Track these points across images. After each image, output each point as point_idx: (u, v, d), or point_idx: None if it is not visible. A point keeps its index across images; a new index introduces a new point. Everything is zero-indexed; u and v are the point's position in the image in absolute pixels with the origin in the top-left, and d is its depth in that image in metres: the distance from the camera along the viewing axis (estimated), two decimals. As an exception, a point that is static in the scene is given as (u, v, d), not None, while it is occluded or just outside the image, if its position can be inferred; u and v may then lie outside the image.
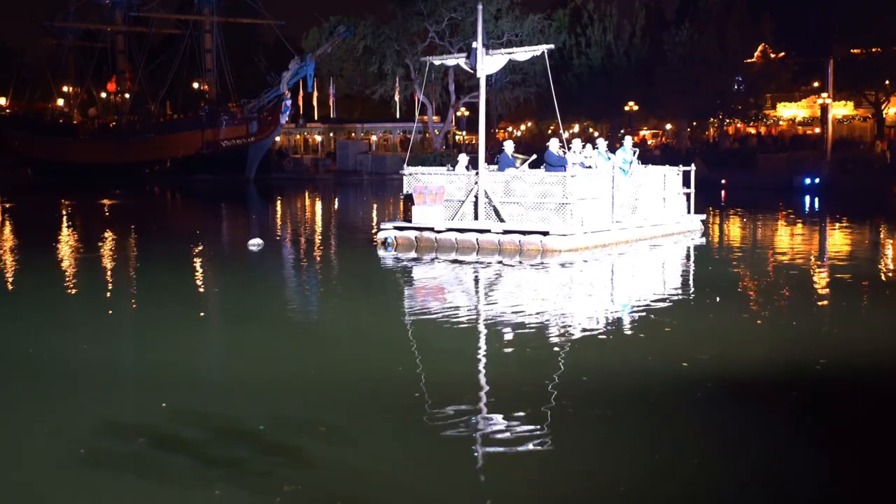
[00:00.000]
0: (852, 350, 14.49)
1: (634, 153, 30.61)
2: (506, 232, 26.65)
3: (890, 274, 24.33)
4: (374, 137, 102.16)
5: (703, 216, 33.77)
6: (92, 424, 10.72)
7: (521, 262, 24.54)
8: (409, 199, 28.46)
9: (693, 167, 34.08)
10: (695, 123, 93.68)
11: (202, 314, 18.80)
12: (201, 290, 22.22)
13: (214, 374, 13.60)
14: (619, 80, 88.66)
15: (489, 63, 28.91)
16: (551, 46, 30.47)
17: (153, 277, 23.23)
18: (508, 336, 15.47)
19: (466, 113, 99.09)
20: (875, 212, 43.24)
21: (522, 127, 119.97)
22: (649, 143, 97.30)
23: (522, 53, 31.18)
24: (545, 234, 26.16)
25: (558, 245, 25.93)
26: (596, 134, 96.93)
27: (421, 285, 22.43)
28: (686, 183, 33.05)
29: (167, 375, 13.00)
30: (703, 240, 30.78)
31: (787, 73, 78.50)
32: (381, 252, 27.24)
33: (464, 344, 15.08)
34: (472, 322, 16.88)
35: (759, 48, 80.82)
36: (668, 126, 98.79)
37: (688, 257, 27.70)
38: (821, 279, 22.95)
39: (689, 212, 33.21)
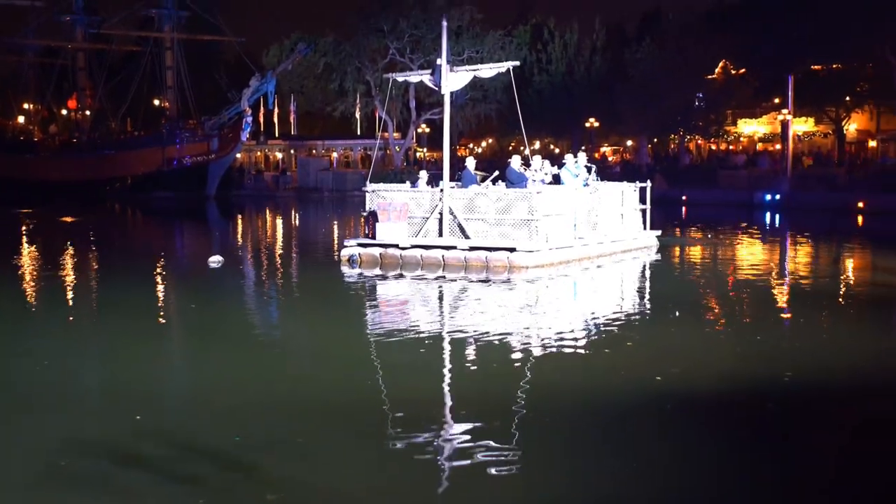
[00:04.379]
0: (816, 364, 14.59)
1: (590, 170, 30.74)
2: (472, 249, 26.65)
3: (848, 289, 24.49)
4: (334, 154, 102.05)
5: (659, 232, 33.86)
6: (54, 442, 10.64)
7: (487, 279, 24.54)
8: (372, 216, 28.42)
9: (650, 183, 34.28)
10: (655, 140, 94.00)
11: (164, 332, 18.68)
12: (163, 307, 22.05)
13: (177, 391, 13.54)
14: (580, 97, 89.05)
15: (453, 80, 28.92)
16: (516, 63, 30.59)
17: (114, 295, 23.05)
18: (475, 352, 15.47)
19: (427, 130, 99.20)
20: (834, 228, 43.52)
21: (483, 144, 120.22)
22: (609, 159, 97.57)
23: (487, 70, 31.20)
24: (512, 250, 26.16)
25: (525, 261, 25.95)
26: (557, 151, 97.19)
27: (387, 302, 22.37)
28: (643, 199, 33.21)
29: (129, 393, 12.92)
30: (660, 255, 30.91)
31: (747, 90, 78.72)
32: (345, 269, 27.18)
33: (431, 360, 15.06)
34: (440, 338, 16.86)
35: (720, 64, 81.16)
36: (630, 142, 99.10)
37: (648, 273, 27.84)
38: (780, 294, 23.11)
39: (645, 228, 33.36)
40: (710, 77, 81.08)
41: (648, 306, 21.18)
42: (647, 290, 24.63)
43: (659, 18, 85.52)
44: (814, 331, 17.84)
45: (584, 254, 28.59)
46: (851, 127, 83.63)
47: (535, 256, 26.25)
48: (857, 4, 64.30)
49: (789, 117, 68.22)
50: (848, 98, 78.39)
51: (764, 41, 73.48)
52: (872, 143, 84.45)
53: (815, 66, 75.96)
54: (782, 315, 20.07)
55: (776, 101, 78.89)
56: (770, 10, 72.54)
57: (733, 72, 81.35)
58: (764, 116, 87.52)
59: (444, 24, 29.58)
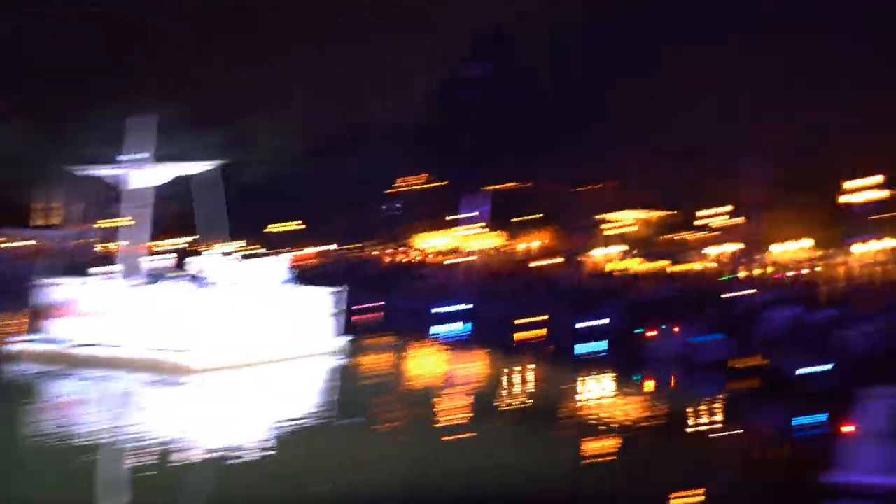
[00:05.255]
0: (486, 473, 14.73)
1: (281, 272, 30.57)
2: (146, 348, 25.70)
3: (510, 398, 25.12)
4: (13, 244, 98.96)
5: (350, 337, 33.66)
6: None
7: (160, 379, 23.81)
8: (43, 311, 27.28)
9: (340, 289, 34.19)
10: (350, 246, 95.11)
11: None
12: None
13: None
14: (281, 200, 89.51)
15: (151, 176, 28.37)
16: (221, 162, 30.23)
17: None
18: (138, 457, 15.04)
19: (120, 223, 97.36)
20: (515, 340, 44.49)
21: (179, 241, 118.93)
22: (305, 263, 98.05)
23: (188, 168, 30.74)
24: (184, 351, 25.31)
25: (200, 363, 25.16)
26: (255, 250, 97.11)
27: (51, 402, 21.59)
28: (334, 304, 33.03)
29: None
30: (346, 361, 30.76)
31: (436, 203, 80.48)
32: (11, 365, 25.82)
33: (86, 465, 14.57)
34: (101, 442, 16.30)
35: (414, 178, 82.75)
36: (324, 248, 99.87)
37: (331, 378, 27.80)
38: (455, 401, 23.44)
39: (335, 333, 33.07)
40: (402, 189, 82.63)
41: (326, 412, 21.19)
42: (328, 395, 24.66)
43: (355, 129, 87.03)
44: (484, 439, 18.06)
45: (269, 357, 27.94)
46: (534, 243, 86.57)
47: (211, 358, 25.54)
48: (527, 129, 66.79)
49: (477, 230, 69.96)
50: (526, 216, 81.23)
51: (454, 158, 75.63)
52: (556, 260, 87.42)
53: (505, 185, 78.34)
54: (454, 420, 20.29)
55: (466, 214, 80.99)
56: (459, 129, 74.84)
57: (426, 185, 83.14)
58: (453, 229, 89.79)
59: (152, 119, 29.05)
